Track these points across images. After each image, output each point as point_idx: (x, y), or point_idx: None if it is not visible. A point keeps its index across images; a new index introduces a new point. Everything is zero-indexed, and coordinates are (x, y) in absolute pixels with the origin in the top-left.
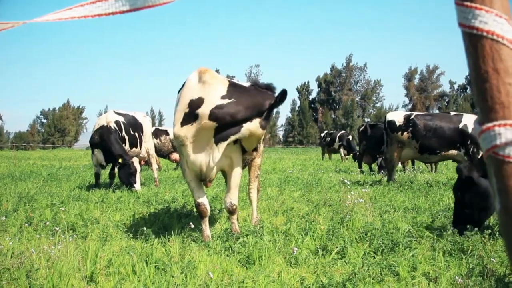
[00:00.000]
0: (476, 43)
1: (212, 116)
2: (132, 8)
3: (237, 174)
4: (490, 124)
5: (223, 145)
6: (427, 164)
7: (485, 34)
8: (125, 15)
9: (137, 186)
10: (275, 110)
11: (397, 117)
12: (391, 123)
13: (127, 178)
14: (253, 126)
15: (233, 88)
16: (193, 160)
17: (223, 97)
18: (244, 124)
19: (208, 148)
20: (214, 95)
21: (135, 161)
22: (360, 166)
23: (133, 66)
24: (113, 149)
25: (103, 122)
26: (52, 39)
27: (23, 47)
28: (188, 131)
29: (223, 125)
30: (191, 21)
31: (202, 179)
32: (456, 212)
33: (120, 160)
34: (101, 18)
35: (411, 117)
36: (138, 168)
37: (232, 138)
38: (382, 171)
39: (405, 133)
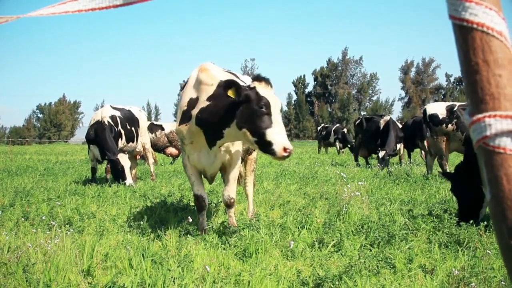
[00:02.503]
0: (466, 35)
1: (197, 120)
2: (126, 2)
3: (235, 167)
4: (480, 115)
5: (216, 148)
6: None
7: (475, 26)
8: (122, 10)
9: (128, 180)
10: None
11: (439, 109)
12: (434, 116)
13: (116, 175)
14: (232, 130)
15: (219, 88)
16: (194, 161)
17: (208, 99)
18: (223, 130)
19: (205, 149)
20: (203, 97)
21: (121, 157)
22: (356, 159)
23: (130, 60)
24: (104, 145)
25: (98, 117)
26: (48, 34)
27: (19, 42)
28: (186, 131)
29: (206, 130)
30: (187, 15)
31: (206, 177)
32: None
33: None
34: (98, 12)
35: (454, 109)
36: (127, 163)
37: (219, 143)
38: (380, 164)
39: (449, 125)
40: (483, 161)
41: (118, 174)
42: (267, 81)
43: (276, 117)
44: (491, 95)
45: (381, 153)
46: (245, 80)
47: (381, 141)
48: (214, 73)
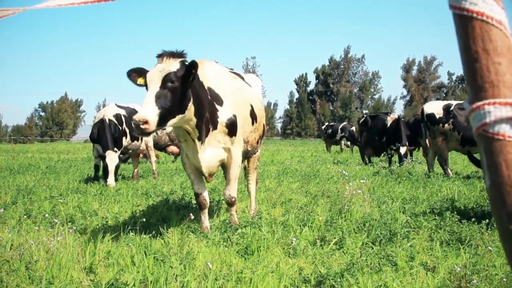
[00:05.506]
0: (466, 24)
1: None
2: None
3: (236, 166)
4: (480, 103)
5: (205, 143)
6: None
7: (475, 15)
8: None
9: (108, 180)
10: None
11: (436, 108)
12: (431, 115)
13: (104, 173)
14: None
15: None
16: (191, 158)
17: None
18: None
19: (198, 146)
20: None
21: (108, 155)
22: (363, 158)
23: (131, 58)
24: (101, 144)
25: (101, 116)
26: (50, 32)
27: (20, 40)
28: (177, 128)
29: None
30: (187, 14)
31: (203, 175)
32: None
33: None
34: (100, 10)
35: (451, 108)
36: (112, 162)
37: (194, 135)
38: (403, 159)
39: (446, 125)
40: (483, 148)
41: (104, 172)
42: (162, 55)
43: (149, 90)
44: (490, 82)
45: (403, 149)
46: (250, 79)
47: (388, 139)
48: (204, 68)
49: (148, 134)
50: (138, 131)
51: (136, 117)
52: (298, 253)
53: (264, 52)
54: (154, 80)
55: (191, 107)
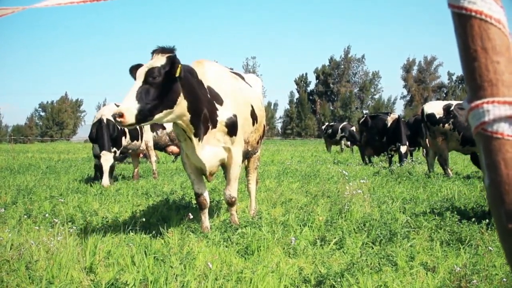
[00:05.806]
0: (465, 23)
1: None
2: None
3: (236, 166)
4: (478, 102)
5: (202, 140)
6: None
7: (473, 14)
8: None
9: (103, 180)
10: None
11: (436, 108)
12: (431, 115)
13: (100, 173)
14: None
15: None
16: (191, 158)
17: None
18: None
19: (198, 146)
20: None
21: (103, 155)
22: (363, 158)
23: (132, 58)
24: (99, 143)
25: (99, 116)
26: (50, 31)
27: (21, 40)
28: (176, 128)
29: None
30: (187, 14)
31: (204, 174)
32: None
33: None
34: (100, 10)
35: (451, 108)
36: (106, 163)
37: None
38: (404, 159)
39: (446, 125)
40: (482, 146)
41: (99, 172)
42: (154, 51)
43: (133, 85)
44: (489, 81)
45: (403, 148)
46: (250, 79)
47: (389, 139)
48: (202, 68)
49: (126, 126)
50: (117, 124)
51: (115, 110)
52: (298, 253)
53: (264, 52)
54: (140, 75)
55: (181, 102)
